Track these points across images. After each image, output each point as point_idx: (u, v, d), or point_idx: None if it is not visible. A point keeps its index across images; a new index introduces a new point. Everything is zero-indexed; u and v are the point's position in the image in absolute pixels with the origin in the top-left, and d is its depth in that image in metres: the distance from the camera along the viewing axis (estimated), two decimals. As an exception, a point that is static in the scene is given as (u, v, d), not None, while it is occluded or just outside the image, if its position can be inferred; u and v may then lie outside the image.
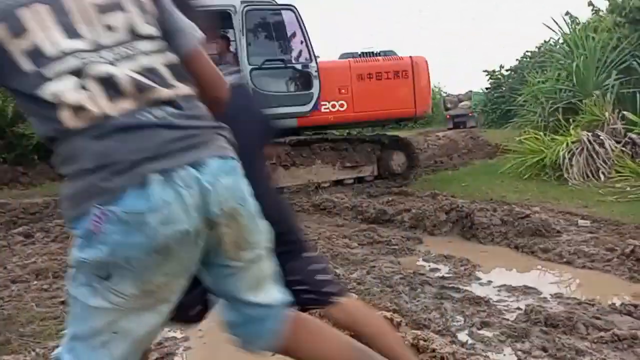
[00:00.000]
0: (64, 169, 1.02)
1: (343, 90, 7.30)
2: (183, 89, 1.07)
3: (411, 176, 7.87)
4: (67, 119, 0.95)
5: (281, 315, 1.24)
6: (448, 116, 17.19)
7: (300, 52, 7.26)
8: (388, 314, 2.42)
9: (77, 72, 0.97)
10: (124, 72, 0.99)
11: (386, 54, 7.71)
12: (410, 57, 7.61)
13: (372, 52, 7.71)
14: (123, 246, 0.95)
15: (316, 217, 5.77)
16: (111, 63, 0.99)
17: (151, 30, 1.07)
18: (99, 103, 0.96)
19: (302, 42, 7.19)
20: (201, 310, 1.62)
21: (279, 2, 7.16)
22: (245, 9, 6.87)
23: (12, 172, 9.12)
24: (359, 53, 7.69)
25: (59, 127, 0.96)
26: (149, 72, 1.03)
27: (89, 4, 1.02)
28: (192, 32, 1.14)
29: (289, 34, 7.24)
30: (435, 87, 19.26)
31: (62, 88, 0.95)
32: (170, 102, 1.03)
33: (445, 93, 21.14)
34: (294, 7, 7.10)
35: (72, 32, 0.99)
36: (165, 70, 1.06)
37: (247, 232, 1.10)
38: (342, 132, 9.75)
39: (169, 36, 1.11)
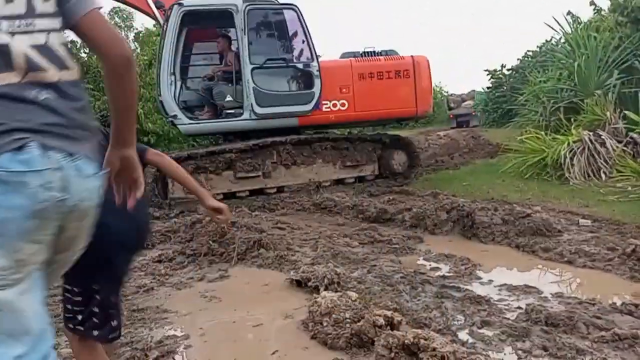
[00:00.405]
0: None
1: (344, 90, 7.29)
2: (72, 73, 1.09)
3: (412, 175, 7.87)
4: None
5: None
6: (451, 115, 17.22)
7: (301, 51, 7.25)
8: (389, 313, 2.43)
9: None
10: (20, 46, 1.00)
11: (387, 53, 7.69)
12: (412, 56, 7.61)
13: (374, 52, 7.68)
14: (1, 207, 0.93)
15: (317, 216, 5.77)
16: (10, 33, 0.99)
17: (50, 7, 1.06)
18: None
19: (303, 42, 7.18)
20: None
21: (281, 1, 7.16)
22: (247, 8, 6.85)
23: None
24: (360, 52, 7.67)
25: None
26: (44, 51, 1.04)
27: None
28: None
29: (290, 33, 7.23)
30: (436, 86, 19.25)
31: None
32: (56, 87, 1.04)
33: (447, 92, 21.13)
34: (295, 6, 7.09)
35: None
36: (62, 50, 1.07)
37: (81, 235, 1.12)
38: (343, 131, 9.73)
39: (63, 2, 1.09)
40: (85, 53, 12.72)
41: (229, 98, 7.07)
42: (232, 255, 4.00)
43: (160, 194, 6.49)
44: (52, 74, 1.04)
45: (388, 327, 2.34)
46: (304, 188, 7.00)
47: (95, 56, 12.44)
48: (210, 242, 4.17)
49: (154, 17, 7.40)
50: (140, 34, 16.72)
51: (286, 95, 7.08)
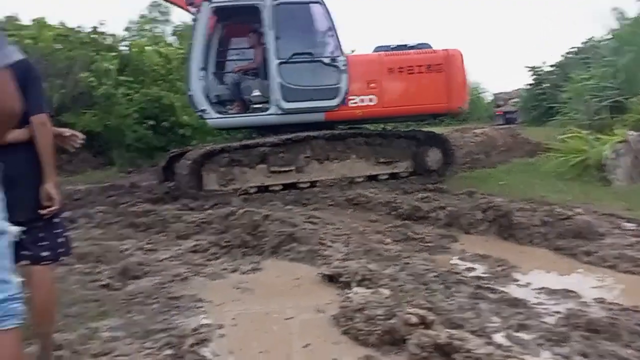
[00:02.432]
0: None
1: (373, 85, 7.17)
2: None
3: (447, 173, 7.74)
4: None
5: None
6: (500, 112, 17.08)
7: (328, 45, 7.20)
8: (422, 312, 2.40)
9: None
10: None
11: (421, 47, 7.47)
12: (445, 50, 7.36)
13: (406, 45, 7.50)
14: None
15: (350, 211, 5.76)
16: None
17: None
18: None
19: (330, 35, 7.13)
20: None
21: None
22: (274, 2, 6.91)
23: (57, 160, 9.46)
24: (393, 46, 7.50)
25: None
26: None
27: None
28: None
29: (317, 27, 7.20)
30: (474, 82, 18.97)
31: None
32: None
33: (484, 89, 20.78)
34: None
35: None
36: None
37: None
38: (377, 126, 9.66)
39: None
40: (125, 47, 13.07)
41: (256, 93, 7.19)
42: (265, 248, 4.04)
43: (195, 186, 6.61)
44: None
45: (421, 326, 2.31)
46: (336, 183, 6.99)
47: (134, 51, 12.66)
48: (244, 234, 4.22)
49: (187, 11, 7.52)
50: (178, 28, 17.04)
51: (312, 90, 7.02)
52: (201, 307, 2.97)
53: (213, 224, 4.79)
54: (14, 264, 1.53)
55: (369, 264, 3.29)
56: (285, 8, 6.97)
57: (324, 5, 7.02)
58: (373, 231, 4.64)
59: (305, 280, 3.40)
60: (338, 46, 7.10)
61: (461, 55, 7.41)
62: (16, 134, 1.97)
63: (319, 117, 7.13)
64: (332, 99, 7.03)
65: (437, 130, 9.42)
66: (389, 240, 4.33)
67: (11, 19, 12.02)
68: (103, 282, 3.35)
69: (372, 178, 7.41)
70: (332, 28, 7.07)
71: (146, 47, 12.62)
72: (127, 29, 24.42)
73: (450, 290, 3.02)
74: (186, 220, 4.98)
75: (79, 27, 12.14)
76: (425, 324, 2.34)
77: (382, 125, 9.74)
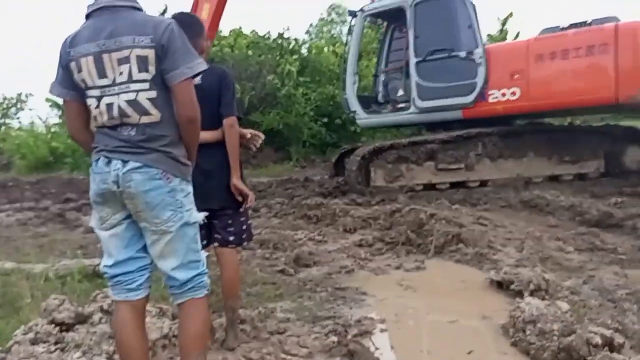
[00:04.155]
0: None
1: (517, 76, 6.38)
2: (150, 117, 1.67)
3: (650, 175, 6.61)
4: (92, 121, 1.75)
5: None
6: None
7: (466, 39, 6.69)
8: (608, 333, 2.11)
9: (99, 98, 1.69)
10: (119, 102, 1.66)
11: (603, 22, 6.16)
12: (616, 24, 5.98)
13: (585, 22, 6.30)
14: (90, 189, 1.75)
15: (524, 214, 5.32)
16: (117, 94, 1.66)
17: (144, 75, 1.65)
18: (102, 118, 1.69)
19: (469, 27, 6.65)
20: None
21: None
22: (415, 1, 6.84)
23: (244, 155, 10.68)
24: (562, 27, 6.40)
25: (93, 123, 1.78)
26: (134, 103, 1.66)
27: (114, 58, 1.65)
28: (183, 69, 1.66)
29: (456, 21, 6.76)
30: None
31: (90, 103, 1.71)
32: (136, 125, 1.67)
33: None
34: None
35: (102, 74, 1.67)
36: (147, 102, 1.67)
37: (144, 209, 1.68)
38: (562, 120, 8.71)
39: (165, 72, 1.66)
40: (305, 49, 14.06)
41: (400, 92, 7.35)
42: (430, 247, 3.98)
43: (363, 182, 6.82)
44: (135, 119, 1.66)
45: (606, 348, 2.04)
46: (510, 183, 6.51)
47: (313, 53, 13.61)
48: (409, 232, 4.22)
49: None
50: (349, 31, 17.67)
51: (446, 87, 6.67)
52: (365, 300, 3.07)
53: (379, 220, 4.89)
54: (202, 243, 1.90)
55: (545, 273, 3.01)
56: (424, 5, 6.86)
57: None
58: (552, 237, 4.22)
59: (471, 284, 3.26)
60: (475, 38, 6.61)
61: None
62: (210, 135, 2.30)
63: (456, 114, 6.76)
64: (467, 95, 6.58)
65: (639, 124, 8.09)
66: (570, 248, 3.90)
67: (214, 32, 13.91)
68: (279, 268, 3.69)
69: (553, 179, 6.71)
70: (470, 19, 6.63)
71: (324, 49, 13.42)
72: (307, 32, 26.22)
73: (646, 313, 2.59)
74: (353, 214, 5.17)
75: (267, 34, 13.49)
76: (611, 346, 2.06)
77: (568, 119, 8.75)
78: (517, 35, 14.82)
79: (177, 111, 1.71)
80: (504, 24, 14.75)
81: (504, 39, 14.14)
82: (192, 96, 1.69)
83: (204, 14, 8.56)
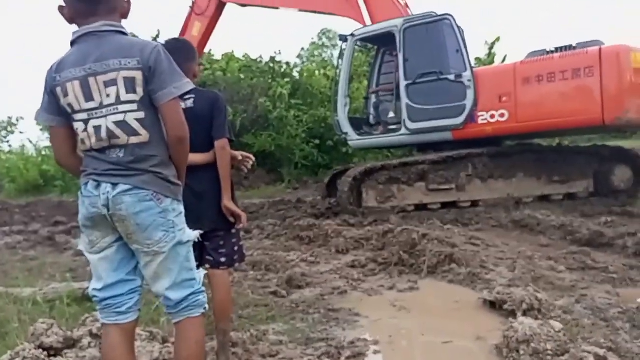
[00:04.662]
0: None
1: (505, 98, 6.51)
2: (139, 138, 1.67)
3: (638, 194, 6.68)
4: (79, 145, 1.74)
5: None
6: None
7: (454, 62, 6.86)
8: (601, 352, 2.11)
9: (85, 121, 1.68)
10: (107, 123, 1.65)
11: (587, 45, 6.29)
12: (599, 48, 6.10)
13: (570, 46, 6.41)
14: (79, 212, 1.74)
15: (516, 234, 5.35)
16: (105, 116, 1.66)
17: (132, 96, 1.66)
18: (90, 141, 1.68)
19: (457, 51, 6.80)
20: None
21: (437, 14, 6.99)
22: (404, 26, 7.01)
23: (236, 177, 10.70)
24: (548, 50, 6.52)
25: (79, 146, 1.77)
26: (122, 125, 1.66)
27: (100, 81, 1.65)
28: (170, 89, 1.66)
29: (445, 44, 6.92)
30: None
31: (77, 127, 1.70)
32: (125, 147, 1.67)
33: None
34: (450, 16, 6.80)
35: (88, 97, 1.67)
36: (135, 123, 1.67)
37: (135, 232, 1.68)
38: (550, 141, 8.83)
39: (153, 92, 1.66)
40: (297, 73, 14.23)
41: (391, 115, 7.46)
42: (423, 268, 3.98)
43: (355, 203, 6.83)
44: (124, 140, 1.66)
45: (600, 368, 2.04)
46: (501, 203, 6.55)
47: (304, 76, 13.84)
48: (401, 252, 4.22)
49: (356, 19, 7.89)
50: (340, 55, 17.91)
51: (435, 109, 6.79)
52: (358, 321, 3.05)
53: (371, 241, 4.89)
54: (196, 264, 1.87)
55: (537, 293, 3.01)
56: (412, 30, 7.01)
57: (452, 20, 6.78)
58: (543, 257, 4.23)
59: (464, 304, 3.25)
60: (464, 61, 6.76)
61: (626, 52, 6.02)
62: (202, 157, 2.31)
63: (447, 136, 6.85)
64: (457, 117, 6.69)
65: (626, 144, 8.23)
66: (562, 267, 3.91)
67: (207, 55, 14.04)
68: (271, 289, 3.66)
69: (543, 199, 6.77)
70: (459, 43, 6.78)
71: (315, 72, 13.59)
72: (298, 56, 26.54)
73: (638, 331, 2.60)
74: (346, 235, 5.17)
75: (260, 57, 13.64)
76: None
77: (556, 140, 8.88)
78: (505, 58, 15.14)
79: (166, 131, 1.71)
80: (491, 47, 15.05)
81: (492, 62, 14.40)
82: (180, 115, 1.71)
83: (195, 31, 8.62)
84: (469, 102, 6.64)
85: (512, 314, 2.81)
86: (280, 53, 13.64)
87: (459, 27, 6.82)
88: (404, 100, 7.01)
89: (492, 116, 6.59)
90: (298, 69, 14.65)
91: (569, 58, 6.26)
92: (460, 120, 6.69)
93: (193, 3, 8.53)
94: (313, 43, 31.53)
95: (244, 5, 8.62)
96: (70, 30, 1.74)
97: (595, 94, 6.01)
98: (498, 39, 15.20)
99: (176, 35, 8.48)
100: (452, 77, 6.77)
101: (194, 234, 1.80)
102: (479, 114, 6.64)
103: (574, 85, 6.15)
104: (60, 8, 1.72)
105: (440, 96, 6.80)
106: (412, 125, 6.97)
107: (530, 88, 6.37)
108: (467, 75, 6.68)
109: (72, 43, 1.71)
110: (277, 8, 8.46)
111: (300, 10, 8.31)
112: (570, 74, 6.16)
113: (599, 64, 6.00)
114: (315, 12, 8.28)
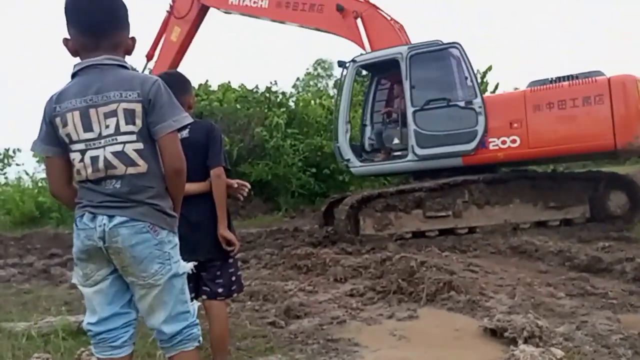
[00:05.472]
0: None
1: (516, 125, 6.65)
2: (137, 168, 1.68)
3: (635, 219, 6.70)
4: (75, 176, 1.74)
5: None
6: None
7: (464, 89, 7.02)
8: (604, 380, 2.09)
9: (83, 151, 1.69)
10: (105, 154, 1.66)
11: (589, 75, 6.58)
12: (609, 78, 6.41)
13: (571, 76, 6.69)
14: (74, 245, 1.73)
15: (514, 260, 5.33)
16: (103, 147, 1.67)
17: (131, 128, 1.68)
18: (86, 171, 1.69)
19: (466, 78, 6.96)
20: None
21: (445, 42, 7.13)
22: (409, 54, 7.09)
23: (233, 206, 10.68)
24: (551, 79, 6.79)
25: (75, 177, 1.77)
26: (120, 155, 1.67)
27: (100, 112, 1.67)
28: (170, 122, 1.69)
29: (453, 71, 7.09)
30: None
31: (74, 157, 1.71)
32: (122, 177, 1.67)
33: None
34: (458, 44, 6.97)
35: (88, 127, 1.68)
36: (134, 154, 1.68)
37: (130, 264, 1.67)
38: (545, 168, 8.90)
39: (153, 125, 1.69)
40: (292, 102, 14.40)
41: (396, 141, 7.48)
42: (421, 296, 3.94)
43: (352, 231, 6.81)
44: (121, 170, 1.67)
45: (603, 397, 2.01)
46: (498, 229, 6.55)
47: (300, 106, 14.00)
48: (400, 280, 4.19)
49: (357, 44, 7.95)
50: (339, 81, 18.21)
51: (447, 135, 6.85)
52: (357, 351, 3.00)
53: (369, 269, 4.86)
54: (190, 296, 1.86)
55: (538, 320, 2.99)
56: (419, 57, 7.11)
57: (461, 48, 6.93)
58: (542, 283, 4.21)
59: (465, 332, 3.22)
60: (474, 88, 6.89)
61: (634, 81, 6.36)
62: (197, 187, 2.32)
63: (457, 161, 6.89)
64: (468, 142, 6.75)
65: (621, 170, 8.30)
66: (561, 294, 3.89)
67: (204, 86, 14.22)
68: (269, 320, 3.62)
69: (540, 224, 6.78)
70: (468, 70, 6.91)
71: (311, 102, 13.75)
72: (294, 86, 26.90)
73: (641, 358, 2.57)
74: (344, 264, 5.14)
75: (255, 88, 13.81)
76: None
77: (551, 167, 8.95)
78: (497, 87, 15.41)
79: (163, 163, 1.73)
80: (483, 76, 15.31)
81: (485, 90, 14.65)
82: (178, 148, 1.73)
83: (174, 36, 8.53)
84: (480, 128, 6.74)
85: (513, 341, 2.78)
86: (276, 83, 13.82)
87: (465, 54, 6.97)
88: (412, 126, 7.03)
89: (504, 142, 6.72)
90: (294, 98, 14.81)
91: (578, 86, 6.52)
92: (471, 146, 6.77)
93: (171, 6, 8.42)
94: (308, 73, 32.03)
95: (227, 12, 8.54)
96: (72, 62, 1.77)
97: (607, 120, 6.26)
98: (490, 68, 15.49)
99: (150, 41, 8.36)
100: (462, 103, 6.89)
101: (189, 266, 1.80)
102: (490, 139, 6.76)
103: (585, 112, 6.40)
104: (65, 41, 1.74)
105: (451, 122, 6.89)
106: (421, 152, 6.99)
107: (542, 114, 6.57)
108: (477, 101, 6.81)
109: (74, 75, 1.74)
110: (258, 17, 8.37)
111: (301, 26, 8.22)
112: (580, 102, 6.41)
113: (608, 92, 6.29)
114: (310, 27, 8.17)
